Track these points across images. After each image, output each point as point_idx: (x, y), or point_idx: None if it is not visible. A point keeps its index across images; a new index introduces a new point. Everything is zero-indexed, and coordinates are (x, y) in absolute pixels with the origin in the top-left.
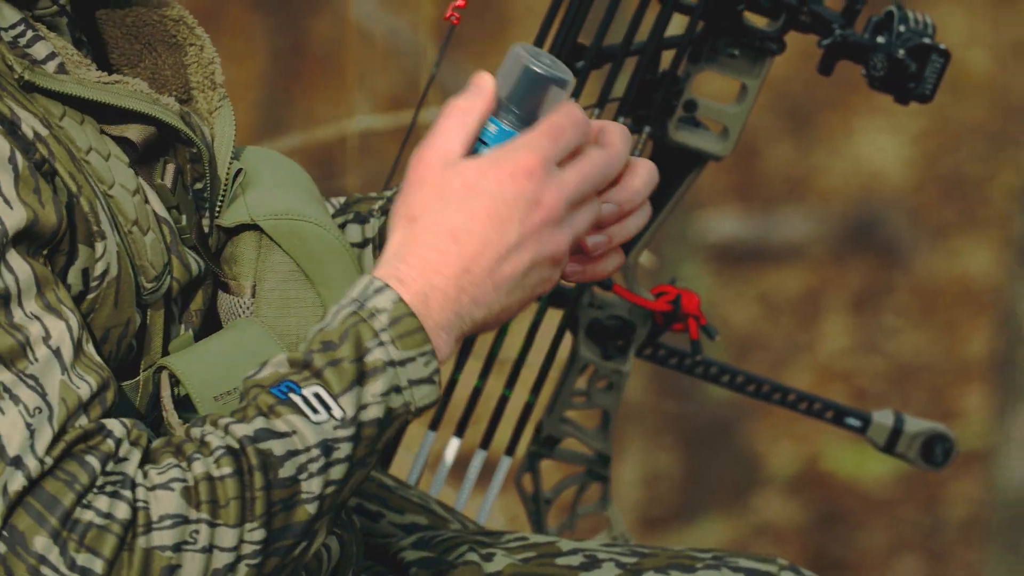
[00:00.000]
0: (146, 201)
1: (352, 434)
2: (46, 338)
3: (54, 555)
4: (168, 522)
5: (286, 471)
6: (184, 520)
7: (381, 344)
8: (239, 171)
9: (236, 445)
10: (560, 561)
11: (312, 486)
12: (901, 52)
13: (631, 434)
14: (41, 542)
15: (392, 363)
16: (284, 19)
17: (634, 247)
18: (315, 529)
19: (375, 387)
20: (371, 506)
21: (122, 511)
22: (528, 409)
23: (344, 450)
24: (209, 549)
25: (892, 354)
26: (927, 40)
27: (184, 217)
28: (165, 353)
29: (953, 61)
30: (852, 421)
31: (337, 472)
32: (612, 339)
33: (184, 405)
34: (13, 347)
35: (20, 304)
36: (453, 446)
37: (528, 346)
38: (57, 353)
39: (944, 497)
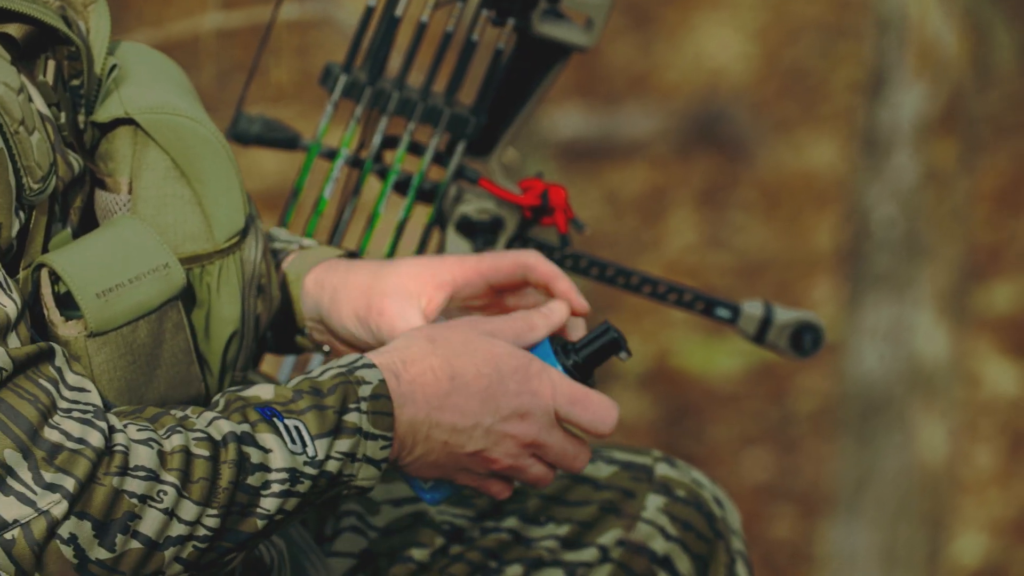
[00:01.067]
0: (30, 100)
1: (315, 475)
2: None
3: (23, 469)
4: (142, 473)
5: (254, 480)
6: (156, 478)
7: (359, 411)
8: (113, 66)
9: (218, 437)
10: None
11: (268, 504)
12: None
13: None
14: (9, 454)
15: (361, 431)
16: None
17: (499, 143)
18: (250, 546)
19: (342, 445)
20: None
21: (95, 439)
22: None
23: (304, 487)
24: (170, 514)
25: (739, 249)
26: None
27: (63, 115)
28: (45, 252)
29: None
30: (722, 312)
31: (291, 504)
32: (481, 234)
33: (65, 303)
34: None
35: None
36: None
37: (396, 242)
38: None
39: (793, 390)
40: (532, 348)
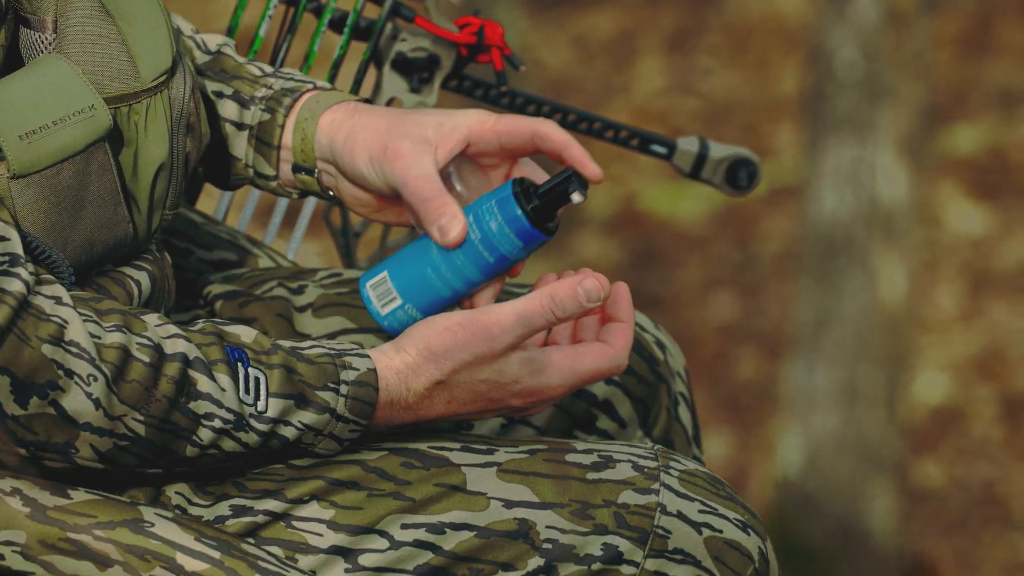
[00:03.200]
0: None
1: (266, 431)
2: None
3: None
4: (74, 349)
5: (196, 408)
6: (90, 360)
7: (336, 392)
8: None
9: (168, 351)
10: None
11: (205, 435)
12: None
13: None
14: None
15: (332, 411)
16: None
17: None
18: (177, 470)
19: (304, 416)
20: (178, 243)
21: (15, 286)
22: None
23: (250, 438)
24: (94, 401)
25: (706, 93)
26: None
27: None
28: None
29: None
30: (657, 148)
31: (229, 445)
32: (417, 71)
33: None
34: None
35: None
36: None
37: (332, 80)
38: None
39: (757, 233)
40: (496, 194)
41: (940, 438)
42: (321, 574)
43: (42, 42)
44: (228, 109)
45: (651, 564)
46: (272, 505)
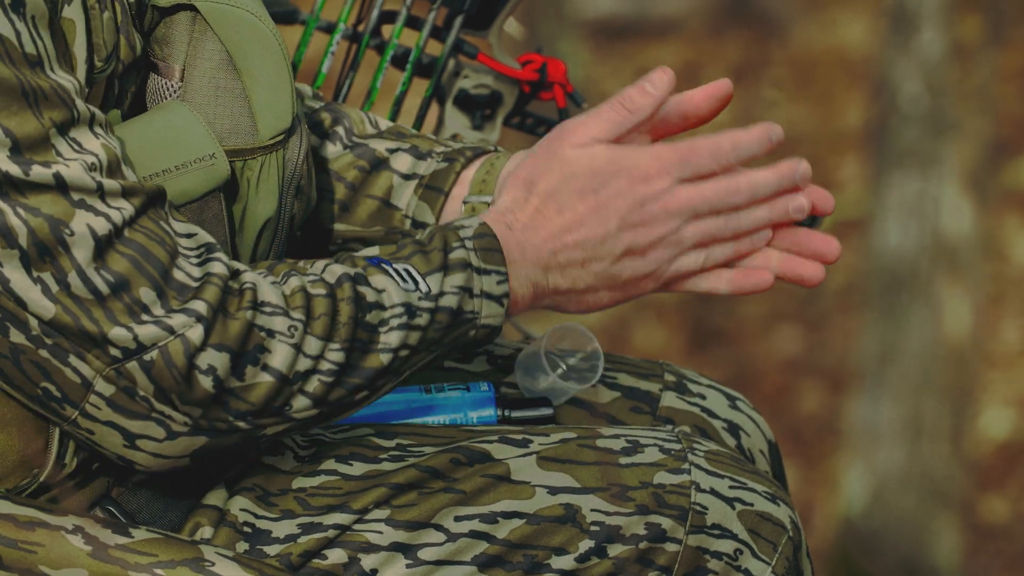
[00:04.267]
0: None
1: (432, 308)
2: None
3: (157, 307)
4: (269, 309)
5: (372, 317)
6: (285, 314)
7: (464, 247)
8: None
9: (332, 279)
10: None
11: (390, 339)
12: None
13: None
14: (147, 293)
15: (470, 265)
16: None
17: (498, 17)
18: (379, 384)
19: (455, 279)
20: None
21: (218, 268)
22: None
23: (423, 319)
24: (298, 348)
25: None
26: None
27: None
28: None
29: None
30: None
31: (413, 337)
32: (479, 108)
33: None
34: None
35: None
36: None
37: (395, 116)
38: (91, 120)
39: None
40: (478, 388)
41: (1006, 473)
42: (383, 571)
43: (168, 89)
44: (401, 162)
45: (693, 540)
46: (340, 519)
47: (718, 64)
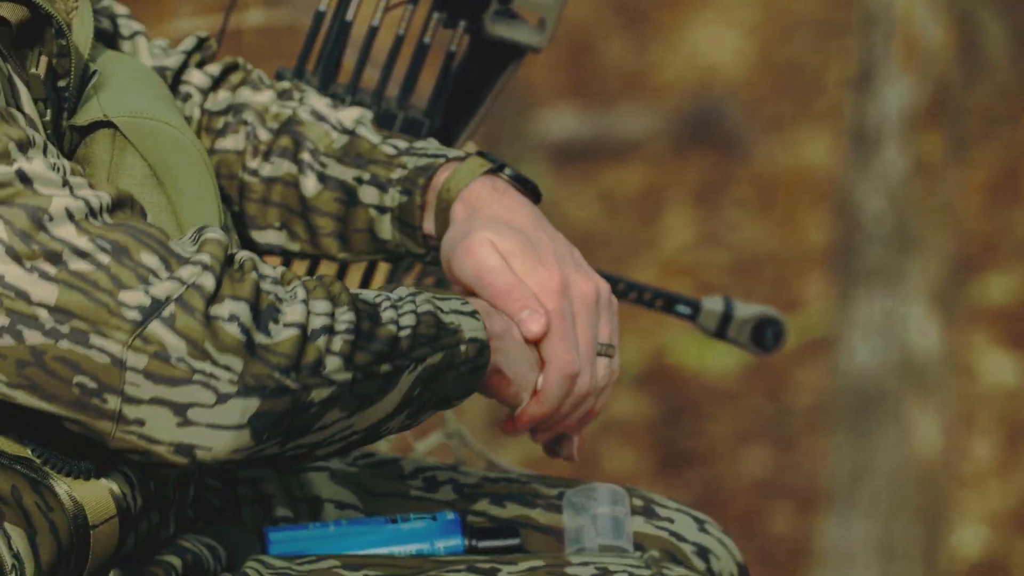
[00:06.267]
0: (13, 92)
1: (412, 308)
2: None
3: (163, 269)
4: (270, 279)
5: (365, 297)
6: (282, 283)
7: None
8: (94, 72)
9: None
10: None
11: (389, 314)
12: None
13: None
14: (149, 258)
15: (429, 300)
16: None
17: (454, 144)
18: (399, 358)
19: (420, 298)
20: None
21: (215, 234)
22: None
23: (407, 309)
24: (307, 304)
25: (734, 246)
26: None
27: (49, 112)
28: None
29: None
30: (682, 308)
31: (407, 319)
32: None
33: None
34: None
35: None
36: None
37: (367, 281)
38: (44, 146)
39: (789, 386)
40: (444, 517)
41: None
42: None
43: None
44: (369, 195)
45: None
46: None
47: (680, 185)
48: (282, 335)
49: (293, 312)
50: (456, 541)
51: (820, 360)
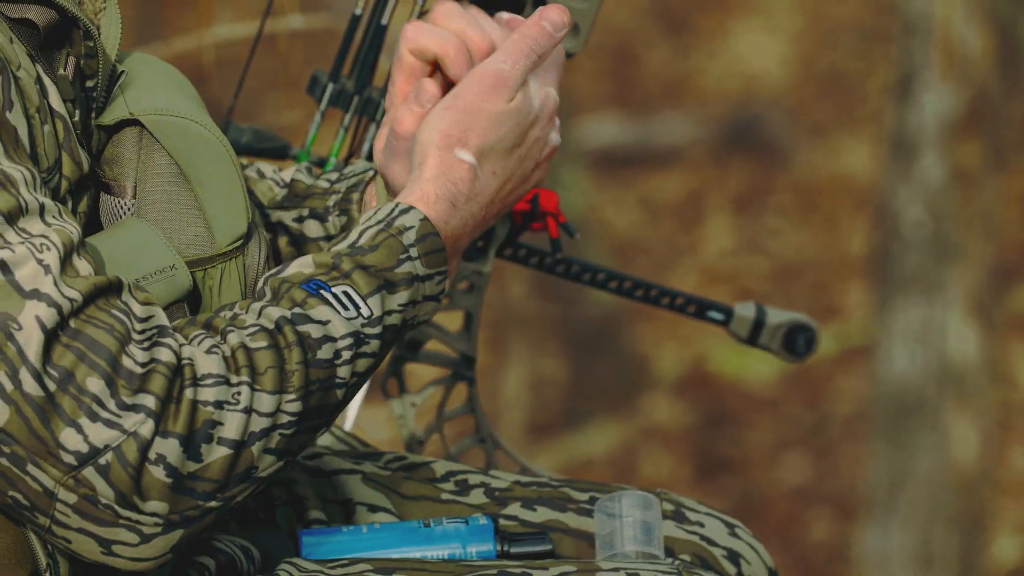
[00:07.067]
0: (43, 93)
1: (379, 333)
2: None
3: (107, 397)
4: (211, 380)
5: (323, 353)
6: (226, 381)
7: (410, 258)
8: (121, 72)
9: (271, 325)
10: (436, 481)
11: (344, 372)
12: None
13: (516, 340)
14: (94, 383)
15: (417, 278)
16: None
17: None
18: (334, 416)
19: (400, 297)
20: None
21: (166, 356)
22: None
23: (372, 346)
24: (248, 411)
25: (774, 253)
26: None
27: (77, 112)
28: None
29: None
30: (714, 314)
31: (362, 365)
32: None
33: None
34: (12, 207)
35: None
36: None
37: None
38: (41, 210)
39: (828, 393)
40: (476, 522)
41: None
42: None
43: (122, 207)
44: (312, 229)
45: None
46: None
47: (721, 192)
48: (214, 455)
49: (230, 425)
50: (488, 546)
51: (859, 368)
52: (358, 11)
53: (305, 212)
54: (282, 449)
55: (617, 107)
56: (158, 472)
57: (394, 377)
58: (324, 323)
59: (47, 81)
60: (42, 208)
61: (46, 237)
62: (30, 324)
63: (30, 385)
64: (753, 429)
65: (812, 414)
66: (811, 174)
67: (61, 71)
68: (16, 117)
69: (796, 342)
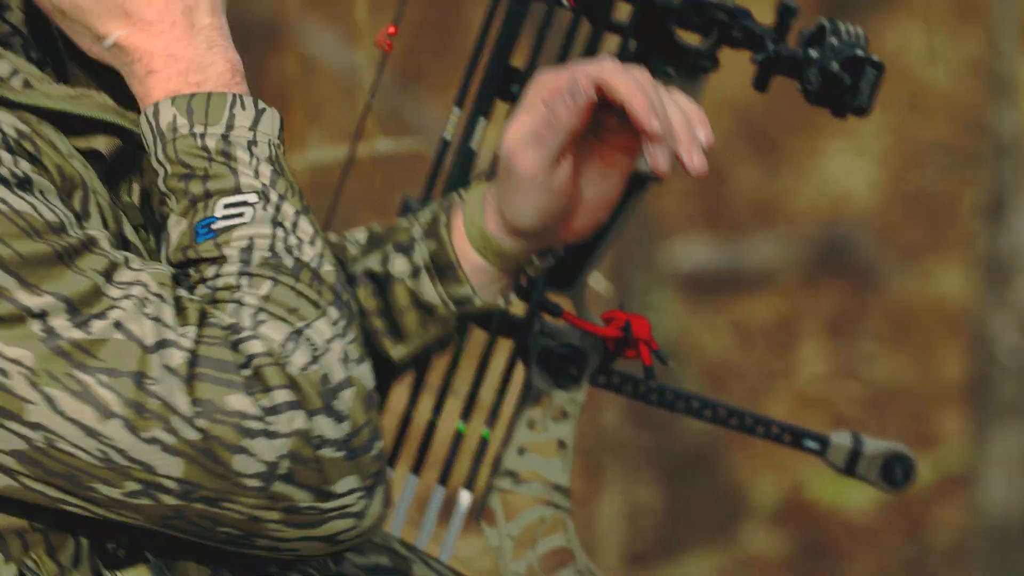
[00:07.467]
0: (117, 220)
1: (278, 196)
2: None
3: (248, 407)
4: (291, 345)
5: (286, 260)
6: (297, 336)
7: (211, 135)
8: None
9: (233, 282)
10: None
11: (303, 230)
12: (835, 65)
13: (611, 468)
14: (234, 400)
15: (225, 137)
16: (244, 57)
17: (580, 275)
18: (348, 286)
19: (241, 155)
20: None
21: (256, 347)
22: (484, 442)
23: (280, 187)
24: (327, 344)
25: (869, 379)
26: (860, 52)
27: (151, 238)
28: None
29: (913, 78)
30: (810, 443)
31: (305, 225)
32: (564, 367)
33: None
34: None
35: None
36: (411, 484)
37: (480, 378)
38: (126, 260)
39: (928, 524)
40: None
41: None
42: None
43: None
44: (398, 265)
45: None
46: None
47: (813, 316)
48: (346, 402)
49: (332, 368)
50: None
51: (958, 497)
52: (447, 135)
53: (389, 248)
54: (363, 353)
55: (706, 229)
56: (330, 453)
57: (490, 507)
58: (250, 239)
59: (118, 210)
60: (127, 260)
61: (143, 283)
62: (162, 375)
63: (187, 431)
64: (852, 560)
65: (912, 545)
66: (904, 297)
67: (127, 198)
68: (93, 227)
69: (894, 472)
